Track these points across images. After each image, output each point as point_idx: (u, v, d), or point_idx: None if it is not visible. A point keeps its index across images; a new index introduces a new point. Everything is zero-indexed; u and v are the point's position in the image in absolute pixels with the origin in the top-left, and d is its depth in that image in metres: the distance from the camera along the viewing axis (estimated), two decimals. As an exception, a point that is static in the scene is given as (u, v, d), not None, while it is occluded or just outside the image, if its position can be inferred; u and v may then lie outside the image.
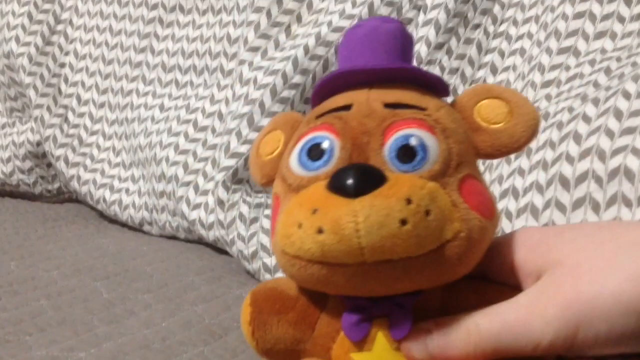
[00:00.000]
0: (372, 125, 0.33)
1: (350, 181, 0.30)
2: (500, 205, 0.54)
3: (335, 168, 0.32)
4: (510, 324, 0.30)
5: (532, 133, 0.34)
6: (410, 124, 0.33)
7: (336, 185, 0.31)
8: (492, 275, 0.34)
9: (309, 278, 0.32)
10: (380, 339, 0.33)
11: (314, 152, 0.33)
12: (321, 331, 0.35)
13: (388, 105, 0.33)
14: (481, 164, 0.61)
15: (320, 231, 0.30)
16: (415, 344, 0.32)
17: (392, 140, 0.32)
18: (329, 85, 0.36)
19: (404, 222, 0.30)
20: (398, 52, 0.35)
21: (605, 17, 0.57)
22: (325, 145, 0.33)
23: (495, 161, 0.58)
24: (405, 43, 0.36)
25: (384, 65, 0.34)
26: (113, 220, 0.89)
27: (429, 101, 0.34)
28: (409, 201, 0.30)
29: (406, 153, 0.32)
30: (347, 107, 0.34)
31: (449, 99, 0.36)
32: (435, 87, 0.36)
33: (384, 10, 0.70)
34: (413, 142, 0.32)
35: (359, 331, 0.33)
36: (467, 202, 0.32)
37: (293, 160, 0.34)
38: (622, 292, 0.28)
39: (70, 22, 0.99)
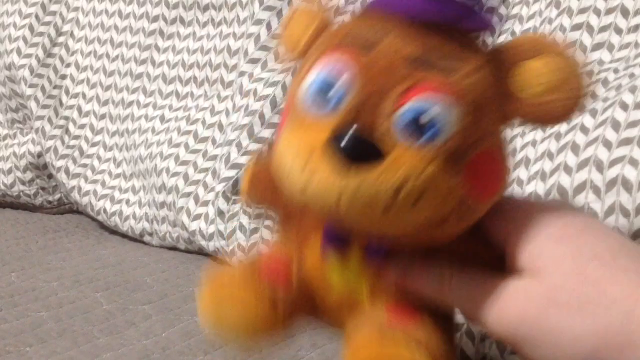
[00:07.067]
0: (394, 80, 0.30)
1: (346, 153, 0.29)
2: (499, 216, 0.54)
3: (341, 119, 0.30)
4: (474, 297, 0.32)
5: (569, 112, 0.32)
6: (433, 90, 0.30)
7: (336, 146, 0.30)
8: (486, 234, 0.34)
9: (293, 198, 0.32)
10: (355, 254, 0.34)
11: (326, 89, 0.31)
12: (306, 222, 0.36)
13: (418, 59, 0.30)
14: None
15: (308, 182, 0.30)
16: (396, 266, 0.34)
17: (406, 108, 0.30)
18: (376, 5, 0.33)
19: (387, 209, 0.29)
20: None
21: (603, 29, 0.57)
22: (338, 86, 0.31)
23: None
24: None
25: (415, 4, 0.31)
26: (113, 231, 0.90)
27: (468, 58, 0.31)
28: (399, 190, 0.29)
29: (417, 126, 0.30)
30: (375, 41, 0.31)
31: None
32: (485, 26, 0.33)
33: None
34: (426, 116, 0.30)
35: (336, 243, 0.34)
36: (469, 183, 0.31)
37: (305, 87, 0.32)
38: (581, 341, 0.29)
39: (72, 34, 0.99)
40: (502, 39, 0.67)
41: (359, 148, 0.30)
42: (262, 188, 0.38)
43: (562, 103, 0.32)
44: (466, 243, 0.34)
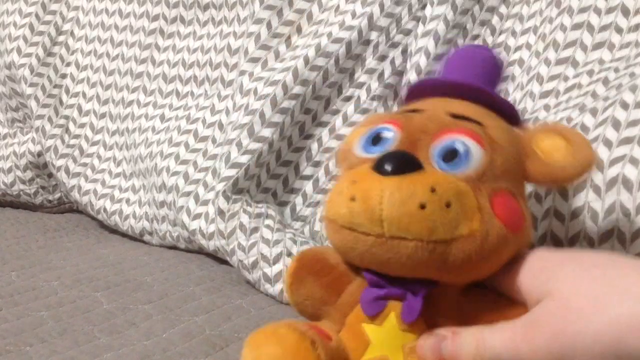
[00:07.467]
0: (431, 127, 0.37)
1: (387, 162, 0.35)
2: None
3: (386, 151, 0.37)
4: (507, 345, 0.34)
5: (583, 172, 0.38)
6: (462, 132, 0.37)
7: (377, 164, 0.36)
8: (504, 290, 0.37)
9: (340, 242, 0.37)
10: (392, 318, 0.37)
11: (375, 140, 0.38)
12: (344, 299, 0.40)
13: (453, 116, 0.38)
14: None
15: (353, 199, 0.35)
16: (431, 346, 0.36)
17: (440, 141, 0.37)
18: (418, 89, 0.42)
19: (422, 206, 0.34)
20: (484, 76, 0.42)
21: (603, 28, 0.57)
22: (386, 134, 0.38)
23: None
24: (492, 68, 0.42)
25: (456, 80, 0.40)
26: (114, 231, 0.89)
27: (492, 120, 0.39)
28: (433, 190, 0.34)
29: (449, 154, 0.36)
30: (418, 107, 0.40)
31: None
32: (510, 114, 0.41)
33: (383, 22, 0.70)
34: (458, 146, 0.36)
35: (374, 307, 0.37)
36: (495, 210, 0.36)
37: (358, 144, 0.39)
38: (603, 334, 0.31)
39: (72, 34, 0.99)
40: (502, 38, 0.67)
41: (398, 162, 0.35)
42: (307, 272, 0.42)
43: (576, 163, 0.38)
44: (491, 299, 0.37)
